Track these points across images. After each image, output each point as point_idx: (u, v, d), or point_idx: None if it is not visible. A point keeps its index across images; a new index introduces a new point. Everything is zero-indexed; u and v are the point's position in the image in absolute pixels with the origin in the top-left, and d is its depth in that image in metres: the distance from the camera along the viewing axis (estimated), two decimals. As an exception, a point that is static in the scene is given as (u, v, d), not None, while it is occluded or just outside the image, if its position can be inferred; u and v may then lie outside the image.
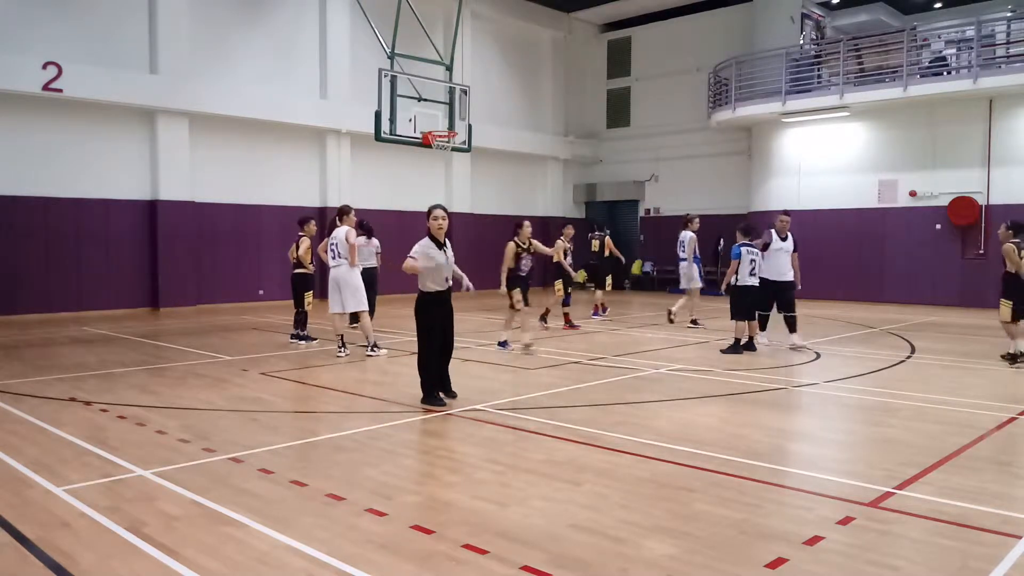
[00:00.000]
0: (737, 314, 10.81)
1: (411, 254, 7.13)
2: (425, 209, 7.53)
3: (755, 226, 11.91)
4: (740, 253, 10.74)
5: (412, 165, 21.16)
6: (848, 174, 20.00)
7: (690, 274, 13.74)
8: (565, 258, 13.79)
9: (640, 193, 25.45)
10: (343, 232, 10.34)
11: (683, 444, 5.93)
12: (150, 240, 16.74)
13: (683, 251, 13.79)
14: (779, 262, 11.07)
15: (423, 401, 7.30)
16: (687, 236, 13.78)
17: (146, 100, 16.17)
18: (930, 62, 18.91)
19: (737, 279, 10.77)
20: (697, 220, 14.19)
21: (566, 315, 14.00)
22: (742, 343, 10.78)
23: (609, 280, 14.18)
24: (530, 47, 25.17)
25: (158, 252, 16.70)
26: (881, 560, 3.77)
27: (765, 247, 11.04)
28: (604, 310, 15.87)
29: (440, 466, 5.38)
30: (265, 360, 10.13)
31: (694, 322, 13.81)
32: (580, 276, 25.78)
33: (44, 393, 7.89)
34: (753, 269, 10.75)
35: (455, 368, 9.60)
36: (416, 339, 7.34)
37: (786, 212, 11.71)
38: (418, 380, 7.33)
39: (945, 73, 18.58)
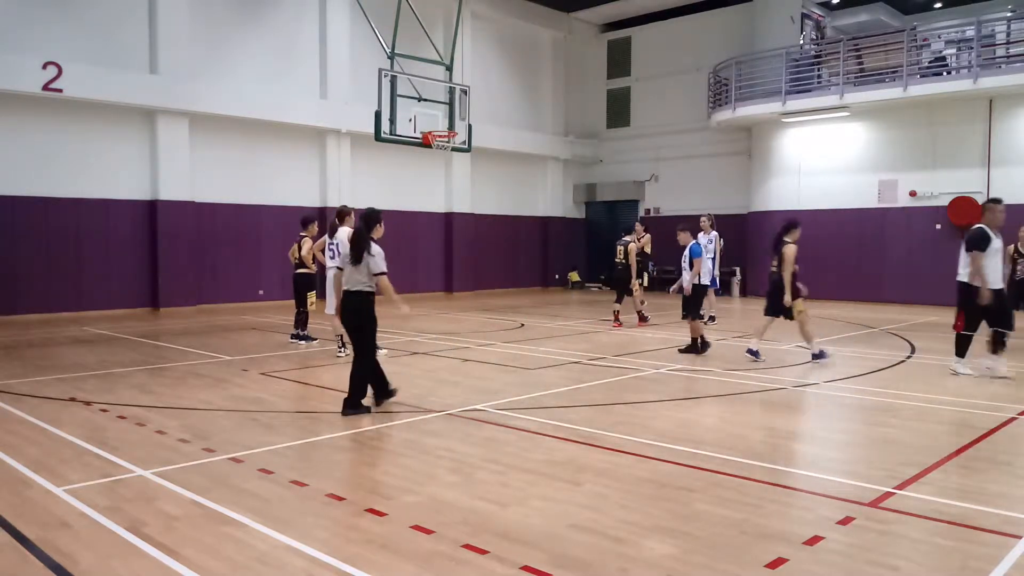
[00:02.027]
0: (691, 312, 10.72)
1: (381, 264, 6.95)
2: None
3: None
4: (702, 251, 10.72)
5: (412, 165, 21.15)
6: (848, 174, 20.00)
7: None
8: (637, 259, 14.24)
9: (640, 193, 25.44)
10: (345, 233, 10.32)
11: (683, 444, 5.93)
12: (150, 240, 16.73)
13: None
14: (996, 264, 8.68)
15: (365, 410, 6.99)
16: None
17: (146, 100, 16.16)
18: (930, 62, 18.88)
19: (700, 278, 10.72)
20: (703, 220, 14.52)
21: (616, 312, 14.54)
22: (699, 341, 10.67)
23: (636, 284, 14.28)
24: (530, 47, 25.16)
25: (158, 252, 16.70)
26: (881, 560, 3.77)
27: (983, 245, 8.56)
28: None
29: (440, 466, 5.37)
30: (265, 360, 10.13)
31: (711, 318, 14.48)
32: (573, 277, 25.88)
33: (44, 393, 7.89)
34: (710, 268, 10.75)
35: (456, 368, 9.64)
36: (368, 341, 7.07)
37: (995, 200, 9.02)
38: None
39: (945, 73, 18.58)
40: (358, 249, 6.94)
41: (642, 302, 14.63)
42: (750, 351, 10.05)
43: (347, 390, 7.03)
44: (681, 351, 10.69)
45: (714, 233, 14.21)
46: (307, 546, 3.90)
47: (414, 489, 4.86)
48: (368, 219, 7.16)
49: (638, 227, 15.31)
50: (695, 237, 10.95)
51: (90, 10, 15.71)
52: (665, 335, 12.90)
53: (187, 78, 16.77)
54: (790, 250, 9.66)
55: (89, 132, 15.89)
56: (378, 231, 7.19)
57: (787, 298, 9.64)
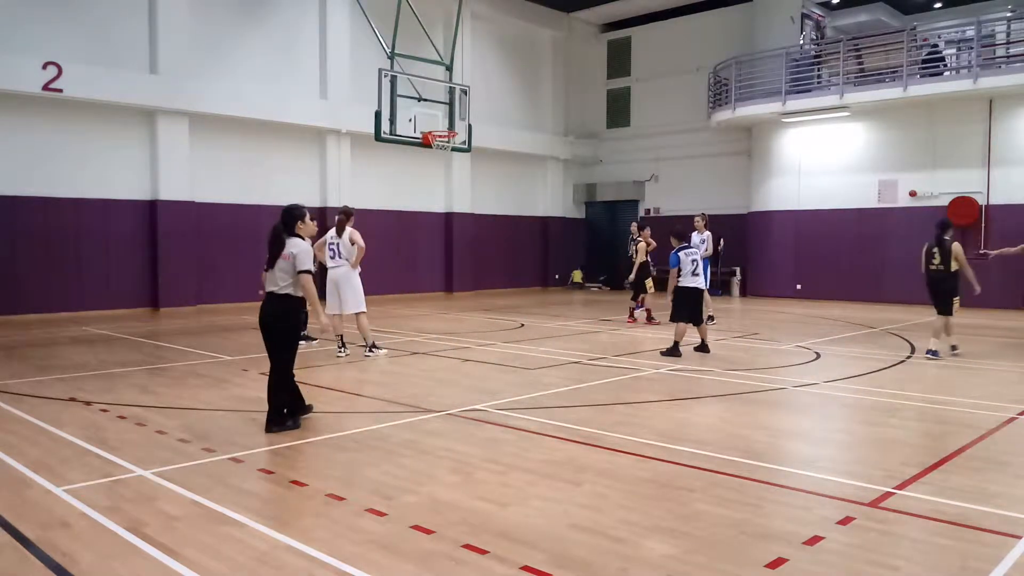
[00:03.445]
0: (677, 316, 10.66)
1: (305, 261, 6.26)
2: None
3: (685, 231, 11.26)
4: (679, 260, 10.60)
5: (412, 165, 21.12)
6: (848, 174, 20.00)
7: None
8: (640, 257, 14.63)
9: (640, 193, 25.44)
10: (347, 233, 10.34)
11: (683, 444, 5.93)
12: (150, 240, 16.72)
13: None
14: None
15: (293, 425, 6.39)
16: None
17: (146, 100, 16.15)
18: (924, 60, 18.75)
19: (679, 282, 10.65)
20: (697, 219, 14.48)
21: (631, 310, 14.97)
22: (681, 345, 10.54)
23: (649, 282, 14.51)
24: (530, 47, 25.16)
25: (158, 252, 16.69)
26: (881, 560, 3.77)
27: None
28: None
29: (440, 466, 5.37)
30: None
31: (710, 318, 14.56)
32: (576, 276, 25.90)
33: (44, 393, 7.88)
34: (695, 269, 10.61)
35: (456, 368, 9.63)
36: (288, 351, 6.48)
37: None
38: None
39: (944, 72, 18.57)
40: (274, 251, 6.30)
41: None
42: (929, 351, 10.26)
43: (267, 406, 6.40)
44: (663, 353, 10.59)
45: (707, 233, 14.14)
46: (307, 546, 3.90)
47: (414, 489, 4.86)
48: (287, 216, 6.45)
49: (634, 227, 15.39)
50: (675, 239, 10.89)
51: (90, 10, 15.70)
52: (666, 335, 12.89)
53: (187, 78, 16.76)
54: (960, 247, 10.19)
55: (89, 132, 15.88)
56: (304, 228, 6.48)
57: (976, 288, 10.18)
